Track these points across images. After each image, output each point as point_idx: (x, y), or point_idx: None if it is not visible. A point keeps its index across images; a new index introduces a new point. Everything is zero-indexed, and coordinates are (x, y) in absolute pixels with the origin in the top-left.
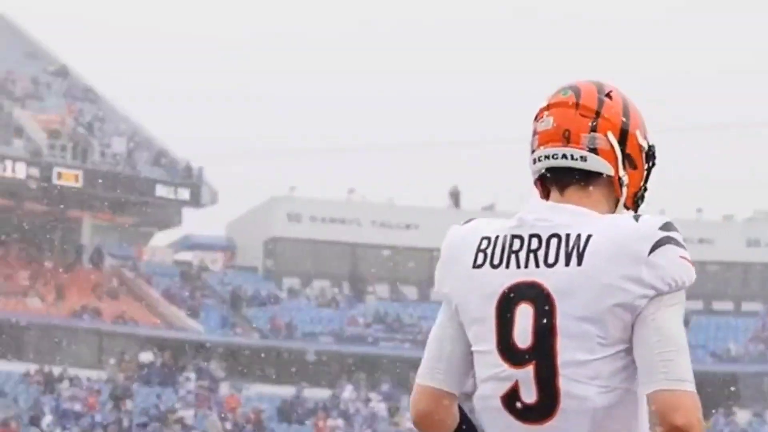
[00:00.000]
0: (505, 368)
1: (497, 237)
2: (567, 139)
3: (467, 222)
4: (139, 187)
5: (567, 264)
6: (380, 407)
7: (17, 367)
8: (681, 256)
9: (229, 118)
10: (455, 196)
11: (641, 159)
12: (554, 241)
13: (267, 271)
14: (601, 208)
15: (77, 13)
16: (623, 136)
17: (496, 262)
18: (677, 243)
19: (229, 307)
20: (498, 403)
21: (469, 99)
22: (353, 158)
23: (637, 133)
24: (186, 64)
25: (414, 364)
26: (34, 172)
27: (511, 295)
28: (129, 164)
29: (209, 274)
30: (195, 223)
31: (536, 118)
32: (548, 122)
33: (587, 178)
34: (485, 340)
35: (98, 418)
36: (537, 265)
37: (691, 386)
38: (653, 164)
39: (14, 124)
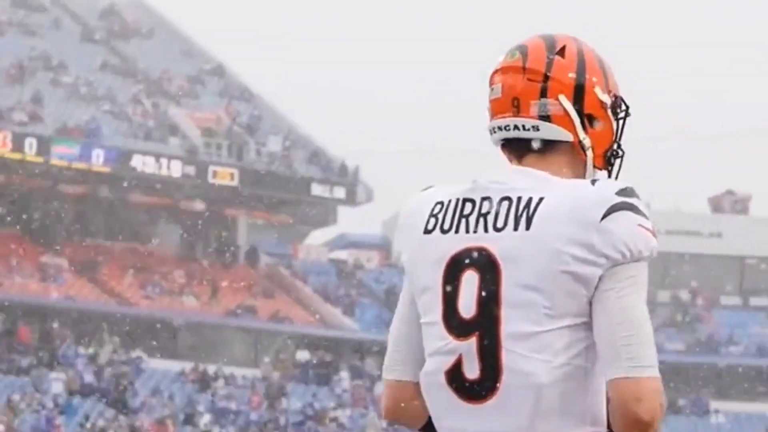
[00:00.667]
0: (449, 341)
1: (450, 201)
2: (517, 108)
3: (427, 188)
4: (294, 185)
5: (516, 228)
6: None
7: (172, 366)
8: (639, 224)
9: (377, 115)
10: None
11: (606, 115)
12: (505, 204)
13: None
14: (565, 173)
15: (232, 11)
16: (579, 96)
17: (446, 226)
18: (635, 209)
19: (385, 305)
20: (442, 379)
21: None
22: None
23: (597, 89)
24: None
25: None
26: (190, 170)
27: (458, 261)
28: (284, 163)
29: (364, 272)
30: (350, 221)
31: (490, 84)
32: (497, 90)
33: (544, 145)
34: (432, 311)
35: (254, 416)
36: (486, 230)
37: (654, 371)
38: (626, 115)
39: (170, 123)
